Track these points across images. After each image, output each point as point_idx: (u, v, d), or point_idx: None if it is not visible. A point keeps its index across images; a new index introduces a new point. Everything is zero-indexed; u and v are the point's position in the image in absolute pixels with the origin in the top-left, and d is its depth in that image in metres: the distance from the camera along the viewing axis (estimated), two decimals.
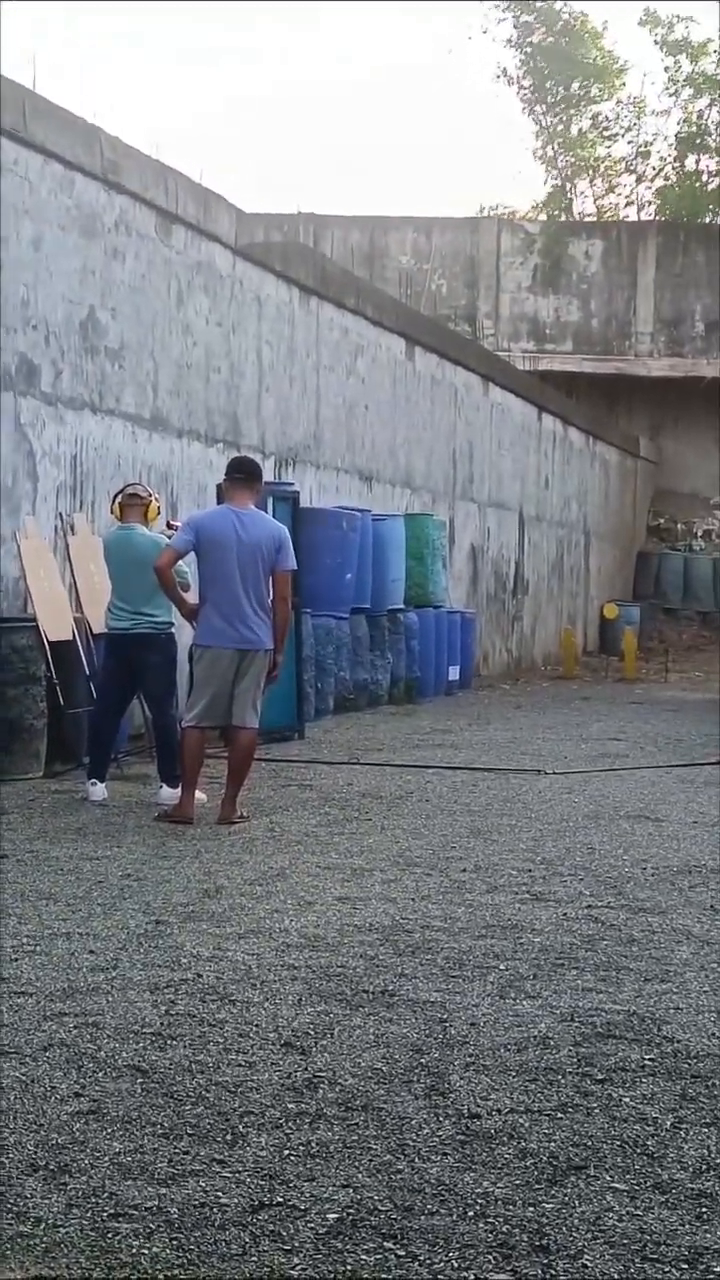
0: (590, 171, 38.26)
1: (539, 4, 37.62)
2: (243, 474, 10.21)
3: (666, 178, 37.79)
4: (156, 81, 73.16)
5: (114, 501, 11.04)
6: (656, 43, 37.52)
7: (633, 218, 37.37)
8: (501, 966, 6.43)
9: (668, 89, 37.69)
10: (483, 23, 44.03)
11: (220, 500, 14.43)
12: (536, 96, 37.90)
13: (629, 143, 38.16)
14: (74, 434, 13.12)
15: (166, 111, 69.34)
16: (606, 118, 37.96)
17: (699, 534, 36.39)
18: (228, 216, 16.03)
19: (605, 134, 38.04)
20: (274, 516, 12.04)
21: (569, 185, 38.07)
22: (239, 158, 68.72)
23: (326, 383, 18.84)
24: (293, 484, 16.81)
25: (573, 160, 38.00)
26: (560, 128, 38.09)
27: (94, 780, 10.64)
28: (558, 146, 38.00)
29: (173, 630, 10.80)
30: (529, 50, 37.65)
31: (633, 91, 38.73)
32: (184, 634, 11.59)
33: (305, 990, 5.97)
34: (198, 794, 10.11)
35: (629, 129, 38.02)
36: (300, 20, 77.11)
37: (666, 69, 37.53)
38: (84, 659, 12.11)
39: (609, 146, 38.24)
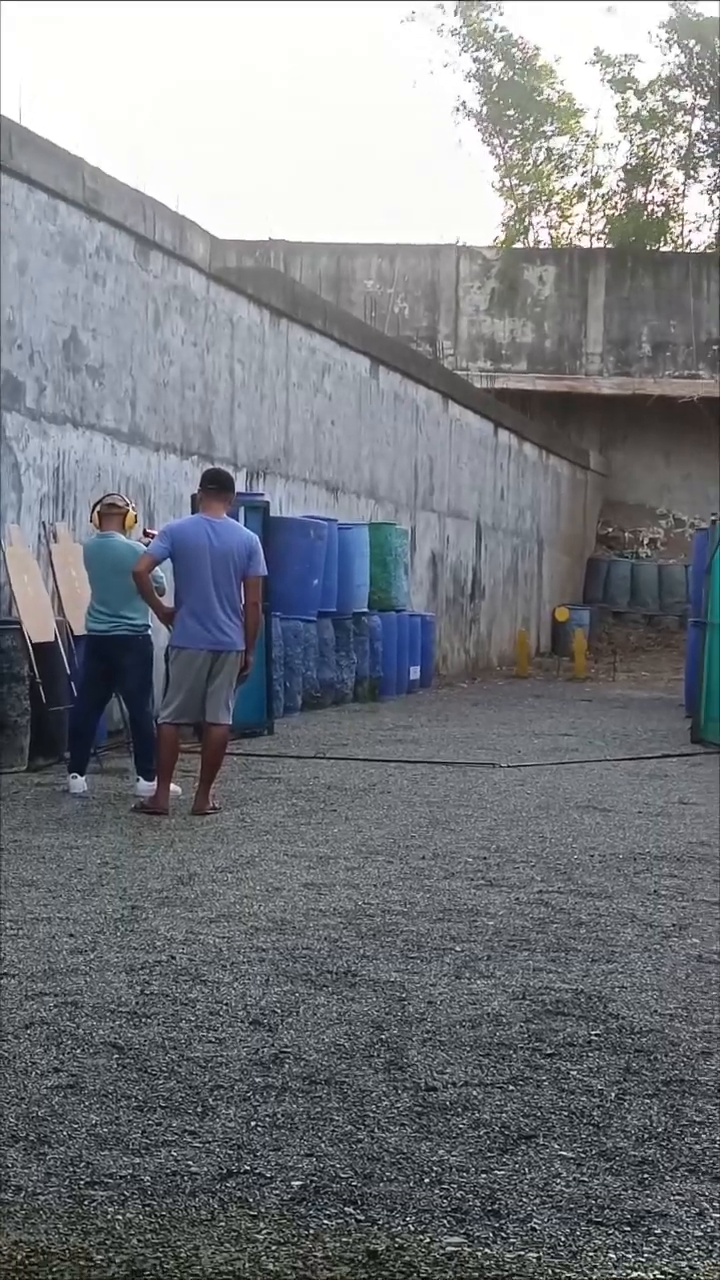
0: (545, 202, 38.31)
1: (496, 37, 37.59)
2: (216, 485, 10.20)
3: (615, 207, 37.89)
4: (146, 101, 73.07)
5: (93, 511, 11.01)
6: (605, 81, 37.63)
7: (584, 245, 37.45)
8: (457, 948, 6.43)
9: (617, 124, 37.80)
10: (444, 57, 43.97)
11: (195, 510, 14.43)
12: (495, 129, 37.92)
13: (582, 174, 38.24)
14: (56, 447, 13.08)
15: (156, 132, 69.24)
16: (561, 152, 38.00)
17: (645, 542, 36.50)
18: (202, 242, 16.01)
19: (560, 166, 38.09)
20: (245, 525, 12.04)
21: (525, 215, 38.08)
22: (218, 166, 68.70)
23: (295, 399, 18.82)
24: (263, 495, 16.80)
25: (529, 192, 38.05)
26: (518, 159, 38.13)
27: (74, 774, 10.61)
28: (515, 179, 38.05)
29: (149, 632, 10.78)
30: (489, 83, 37.65)
31: (587, 127, 38.77)
32: (160, 636, 11.57)
33: (272, 971, 5.96)
34: (172, 786, 10.10)
35: (581, 161, 38.11)
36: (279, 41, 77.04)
37: (616, 106, 37.65)
38: (65, 659, 12.08)
39: (562, 178, 38.32)
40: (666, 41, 37.19)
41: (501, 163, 38.37)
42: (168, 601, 10.30)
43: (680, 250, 37.01)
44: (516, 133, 37.84)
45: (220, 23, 76.36)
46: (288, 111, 72.45)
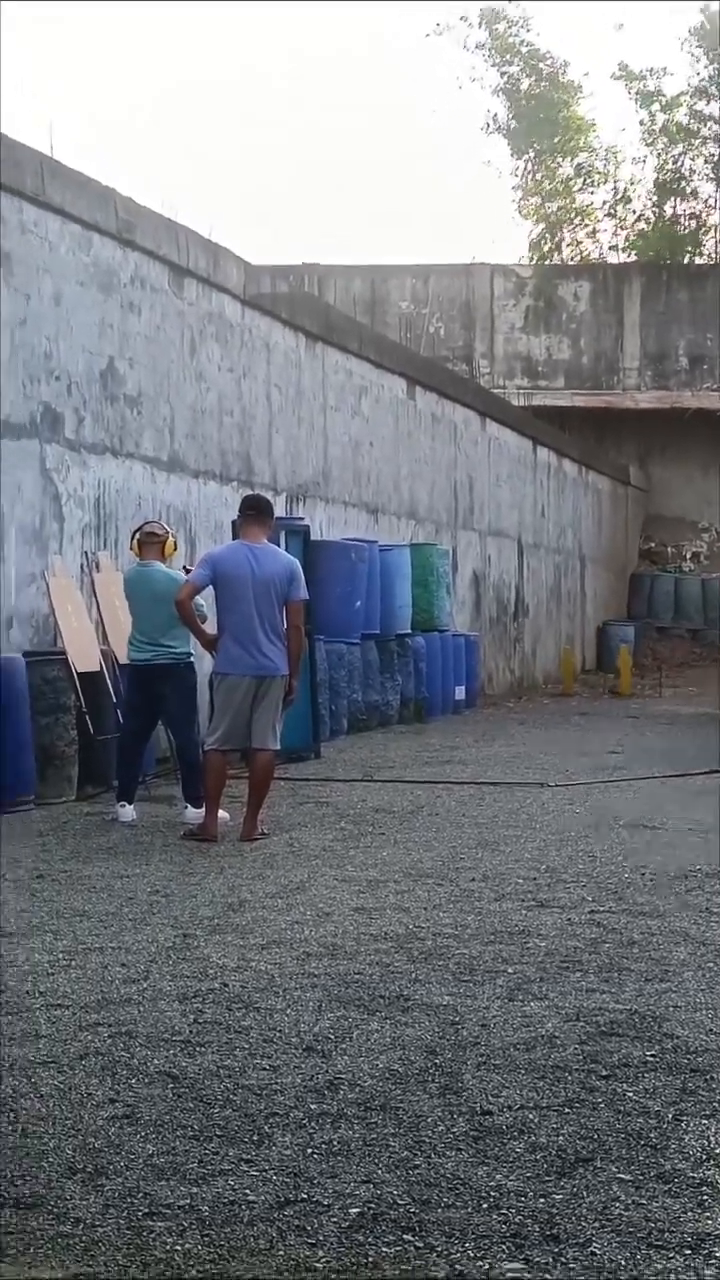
0: (574, 218, 38.32)
1: (523, 51, 37.62)
2: (255, 510, 10.24)
3: (648, 221, 37.86)
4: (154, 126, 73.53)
5: (133, 539, 11.06)
6: (633, 95, 37.60)
7: (614, 260, 37.44)
8: (510, 970, 6.41)
9: (644, 139, 37.78)
10: (471, 72, 43.90)
11: (235, 536, 14.48)
12: (524, 145, 37.93)
13: (611, 190, 38.24)
14: (96, 477, 13.15)
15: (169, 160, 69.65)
16: (587, 168, 38.00)
17: (688, 556, 36.39)
18: (236, 269, 16.08)
19: (588, 181, 38.10)
20: (286, 550, 12.07)
21: (556, 232, 38.08)
22: (244, 189, 69.06)
23: (333, 422, 18.87)
24: (303, 518, 16.83)
25: (557, 208, 38.07)
26: (544, 176, 38.17)
27: (123, 802, 10.64)
28: (542, 196, 38.10)
29: (192, 659, 10.81)
30: (517, 99, 37.67)
31: (608, 142, 38.77)
32: (204, 662, 11.60)
33: (325, 997, 5.96)
34: (221, 813, 10.11)
35: (603, 177, 38.08)
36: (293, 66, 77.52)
37: (641, 122, 37.66)
38: (110, 688, 12.13)
39: (592, 192, 38.37)
40: (696, 50, 37.15)
41: (530, 179, 38.39)
42: (210, 628, 10.33)
43: (715, 262, 36.94)
44: (543, 148, 37.85)
45: (221, 23, 76.76)
46: (291, 118, 72.91)
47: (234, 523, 12.92)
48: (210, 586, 10.03)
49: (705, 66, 37.10)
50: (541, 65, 37.65)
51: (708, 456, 35.42)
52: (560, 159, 37.88)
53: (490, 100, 38.17)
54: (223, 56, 76.84)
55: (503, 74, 37.81)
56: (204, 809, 10.11)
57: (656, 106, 37.21)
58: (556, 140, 37.58)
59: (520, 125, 37.68)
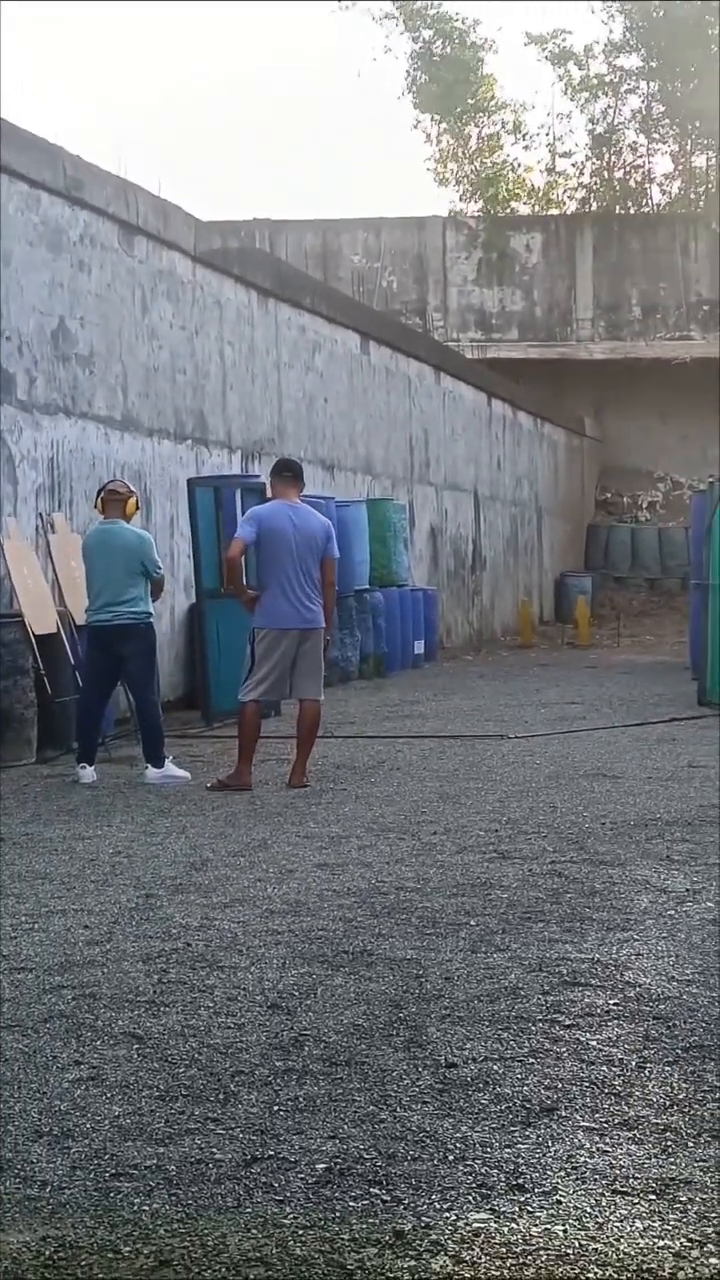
0: (508, 173, 38.17)
1: (430, 14, 37.36)
2: (290, 472, 10.60)
3: (593, 174, 37.81)
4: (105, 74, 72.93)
5: (98, 497, 11.12)
6: (541, 59, 37.65)
7: (556, 213, 37.35)
8: (472, 923, 6.43)
9: (564, 93, 37.78)
10: (385, 42, 43.29)
11: (191, 494, 14.45)
12: (443, 107, 37.68)
13: (547, 147, 38.21)
14: (50, 438, 13.06)
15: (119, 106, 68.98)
16: (513, 123, 37.89)
17: (644, 506, 36.46)
18: (186, 226, 15.96)
19: (520, 136, 38.00)
20: (243, 507, 12.10)
21: (494, 185, 37.90)
22: (195, 156, 68.64)
23: (287, 379, 18.79)
24: (259, 476, 16.75)
25: (490, 164, 37.92)
26: (469, 134, 38.01)
27: (83, 764, 10.62)
28: (468, 154, 37.95)
29: (151, 619, 10.79)
30: (430, 63, 37.41)
31: (522, 99, 39.07)
32: (160, 623, 11.56)
33: (289, 954, 5.97)
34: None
35: (516, 129, 37.95)
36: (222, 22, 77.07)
37: (560, 76, 37.59)
38: (68, 650, 12.08)
39: (525, 147, 38.38)
40: (606, 9, 37.21)
41: (450, 141, 38.14)
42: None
43: (661, 210, 36.89)
44: (464, 109, 37.61)
45: (215, 21, 76.21)
46: (274, 109, 72.43)
47: (189, 481, 12.86)
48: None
49: (622, 23, 37.07)
50: (454, 25, 37.42)
51: (663, 406, 35.44)
52: (482, 116, 37.74)
53: (407, 68, 37.87)
54: (215, 53, 76.51)
55: (414, 39, 37.53)
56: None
57: (572, 63, 37.23)
58: (472, 101, 37.38)
59: (438, 89, 37.37)
